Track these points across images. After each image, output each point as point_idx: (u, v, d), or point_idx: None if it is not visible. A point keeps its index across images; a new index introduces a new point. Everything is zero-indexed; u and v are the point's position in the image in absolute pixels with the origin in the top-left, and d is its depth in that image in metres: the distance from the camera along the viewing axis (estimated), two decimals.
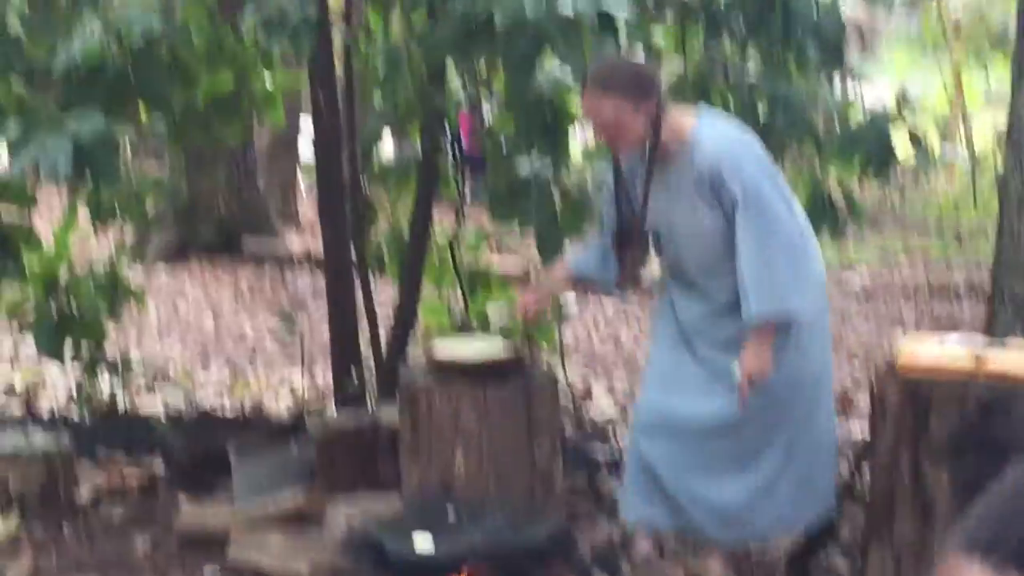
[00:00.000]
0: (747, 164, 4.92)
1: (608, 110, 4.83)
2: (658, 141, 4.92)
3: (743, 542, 5.29)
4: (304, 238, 14.64)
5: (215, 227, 14.16)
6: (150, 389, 8.26)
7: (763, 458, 5.10)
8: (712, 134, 4.95)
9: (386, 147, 12.43)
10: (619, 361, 9.98)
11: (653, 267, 5.56)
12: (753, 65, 6.88)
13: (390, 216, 7.46)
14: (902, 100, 7.02)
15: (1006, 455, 1.44)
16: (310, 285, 12.82)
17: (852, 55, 19.04)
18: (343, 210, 6.90)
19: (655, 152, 4.96)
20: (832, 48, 6.72)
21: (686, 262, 5.11)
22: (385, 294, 10.62)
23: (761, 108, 6.72)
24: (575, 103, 6.52)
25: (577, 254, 5.46)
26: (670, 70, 7.42)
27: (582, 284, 5.54)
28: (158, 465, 6.92)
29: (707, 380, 5.07)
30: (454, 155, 7.28)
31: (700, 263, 5.07)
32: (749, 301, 4.83)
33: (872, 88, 7.71)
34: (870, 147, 6.74)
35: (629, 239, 5.21)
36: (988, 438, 4.30)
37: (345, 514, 5.22)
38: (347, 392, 6.80)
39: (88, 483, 6.54)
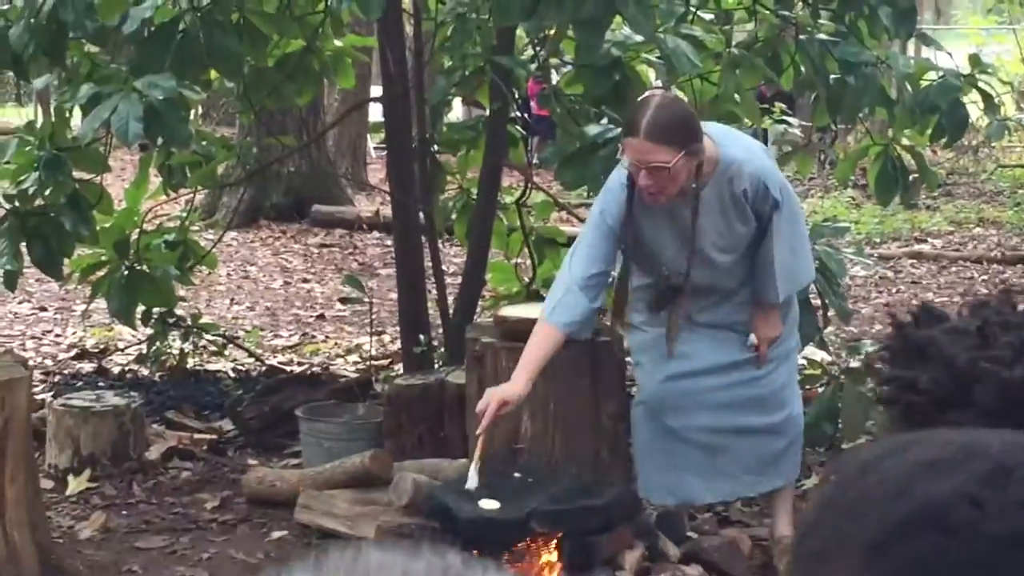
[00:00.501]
0: (776, 170, 5.17)
1: (663, 161, 4.69)
2: (700, 179, 4.89)
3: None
4: (374, 202, 14.66)
5: (285, 191, 14.22)
6: (220, 350, 8.31)
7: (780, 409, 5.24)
8: (740, 154, 4.99)
9: (456, 111, 12.46)
10: None
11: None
12: (824, 29, 6.82)
13: (459, 180, 7.46)
14: (975, 65, 6.95)
15: None
16: (379, 249, 12.85)
17: (924, 20, 18.86)
18: (412, 174, 6.91)
19: (699, 188, 4.91)
20: (904, 12, 6.64)
21: (715, 278, 5.12)
22: (455, 258, 10.65)
23: (832, 71, 6.67)
24: (643, 68, 6.52)
25: (561, 310, 4.96)
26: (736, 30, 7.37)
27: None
28: (227, 426, 6.97)
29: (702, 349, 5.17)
30: (522, 118, 7.27)
31: (729, 273, 5.13)
32: (777, 287, 5.02)
33: (947, 54, 7.62)
34: (942, 113, 6.68)
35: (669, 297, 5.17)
36: None
37: (412, 476, 5.23)
38: (415, 355, 6.82)
39: (158, 443, 6.60)
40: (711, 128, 5.01)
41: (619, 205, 4.97)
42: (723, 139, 4.99)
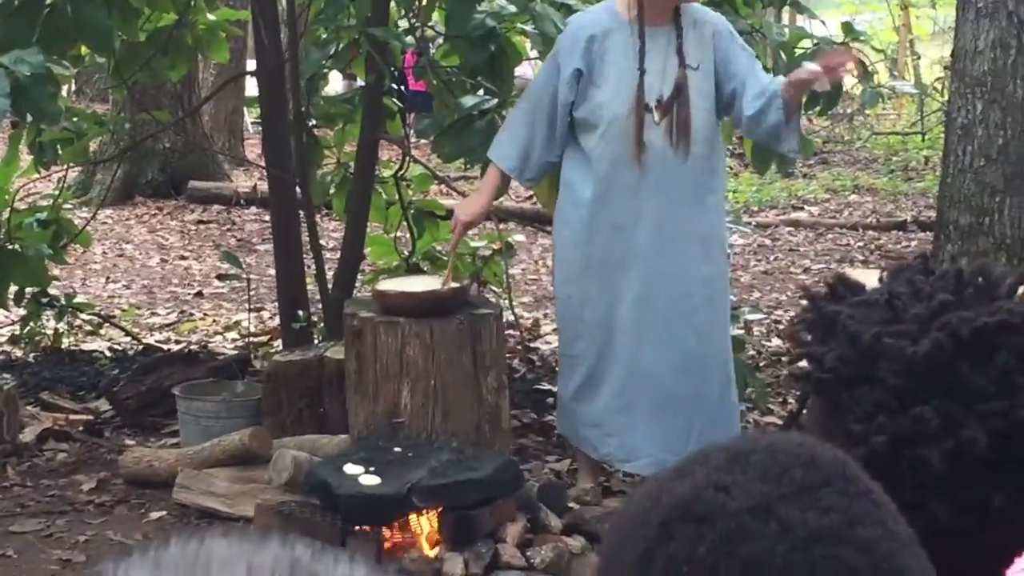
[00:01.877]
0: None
1: None
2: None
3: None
4: (252, 178, 14.52)
5: (161, 167, 14.04)
6: (95, 329, 8.19)
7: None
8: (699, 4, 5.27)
9: (335, 85, 12.35)
10: None
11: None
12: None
13: (336, 154, 7.40)
14: (848, 32, 7.00)
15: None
16: (258, 225, 12.74)
17: None
18: (288, 148, 6.83)
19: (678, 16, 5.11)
20: None
21: (694, 130, 5.14)
22: (334, 233, 10.58)
23: None
24: (519, 39, 6.49)
25: (502, 148, 5.37)
26: None
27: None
28: (103, 406, 6.87)
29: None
30: (399, 91, 7.21)
31: (704, 129, 5.16)
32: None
33: (820, 22, 7.73)
34: None
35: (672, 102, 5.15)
36: None
37: (292, 453, 5.18)
38: (294, 330, 6.75)
39: (32, 425, 6.48)
40: None
41: (584, 48, 5.12)
42: None
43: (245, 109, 16.09)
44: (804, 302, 1.57)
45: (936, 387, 1.39)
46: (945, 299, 1.46)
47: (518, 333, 8.04)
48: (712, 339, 5.25)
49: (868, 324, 1.46)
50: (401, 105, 7.58)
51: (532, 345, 8.15)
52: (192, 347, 8.02)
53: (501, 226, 8.07)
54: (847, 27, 7.09)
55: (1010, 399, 1.37)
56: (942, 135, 8.75)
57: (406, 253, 7.24)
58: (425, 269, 7.15)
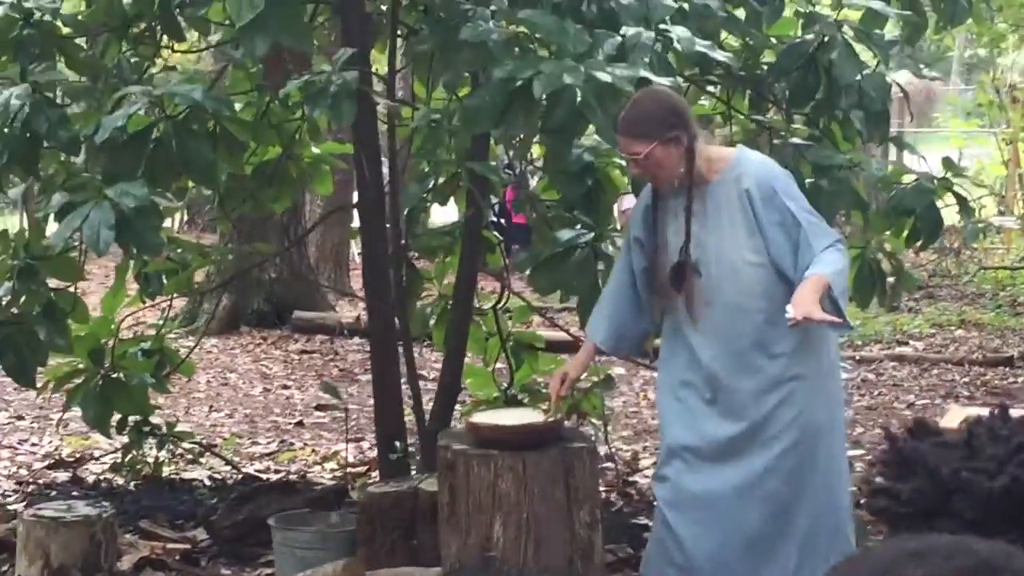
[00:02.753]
0: (796, 186, 5.24)
1: (643, 152, 4.97)
2: (692, 169, 5.00)
3: None
4: (356, 308, 14.65)
5: (266, 297, 14.20)
6: (196, 458, 8.26)
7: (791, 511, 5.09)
8: (755, 158, 5.23)
9: (443, 216, 12.45)
10: None
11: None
12: (798, 133, 6.86)
13: (436, 285, 7.45)
14: (950, 168, 6.98)
15: None
16: (360, 355, 12.82)
17: (903, 124, 18.98)
18: (387, 280, 6.90)
19: (691, 181, 5.03)
20: (877, 117, 6.68)
21: (717, 295, 5.07)
22: (435, 364, 10.62)
23: (806, 175, 6.69)
24: (616, 173, 6.54)
25: (598, 324, 5.42)
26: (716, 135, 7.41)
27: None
28: (200, 535, 6.91)
29: (723, 452, 5.07)
30: (498, 223, 7.27)
31: (731, 296, 5.07)
32: (821, 268, 4.88)
33: (928, 158, 7.75)
34: (916, 216, 6.70)
35: (679, 276, 5.15)
36: None
37: None
38: (391, 461, 6.77)
39: (130, 553, 6.52)
40: (741, 147, 5.40)
41: (642, 215, 5.29)
42: (744, 148, 5.35)
43: (352, 240, 16.26)
44: (884, 443, 1.57)
45: (1013, 521, 1.39)
46: (1022, 441, 1.47)
47: (615, 466, 8.01)
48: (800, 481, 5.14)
49: (947, 461, 1.46)
50: (501, 238, 7.63)
51: (630, 479, 8.10)
52: (291, 477, 8.06)
53: (601, 359, 8.07)
54: (948, 163, 7.08)
55: None
56: None
57: (504, 385, 7.26)
58: (523, 401, 7.16)
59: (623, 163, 6.48)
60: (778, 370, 5.07)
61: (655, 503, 5.34)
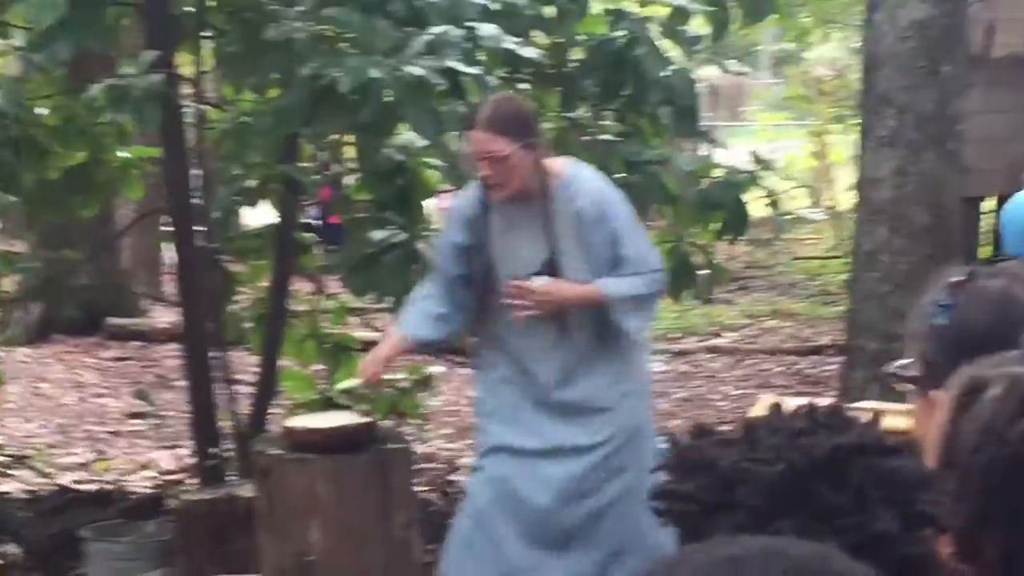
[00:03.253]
0: (625, 205, 5.17)
1: (506, 152, 4.84)
2: (545, 180, 4.94)
3: None
4: (171, 313, 14.45)
5: (78, 305, 13.93)
6: (7, 470, 8.08)
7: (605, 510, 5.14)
8: (588, 176, 5.13)
9: (258, 218, 12.32)
10: None
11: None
12: (609, 129, 6.92)
13: (251, 288, 7.38)
14: (758, 161, 7.09)
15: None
16: (176, 361, 12.64)
17: (713, 118, 19.26)
18: (200, 283, 6.81)
19: (546, 192, 4.97)
20: (685, 112, 6.76)
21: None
22: (253, 368, 10.52)
23: (617, 171, 6.75)
24: (429, 172, 6.52)
25: (411, 320, 5.30)
26: None
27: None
28: (12, 549, 6.76)
29: (547, 446, 5.10)
30: (312, 225, 7.22)
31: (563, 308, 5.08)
32: (606, 284, 5.00)
33: (739, 151, 7.90)
34: (725, 209, 6.79)
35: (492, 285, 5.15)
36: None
37: None
38: (208, 468, 6.69)
39: None
40: (576, 161, 5.22)
41: (463, 217, 5.13)
42: (576, 164, 5.18)
43: (164, 245, 16.04)
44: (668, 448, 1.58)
45: (793, 506, 1.41)
46: (800, 427, 1.50)
47: (435, 466, 8.01)
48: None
49: (726, 456, 1.48)
50: (314, 239, 7.59)
51: (450, 478, 8.10)
52: (105, 487, 7.92)
53: (420, 358, 8.06)
54: (756, 156, 7.18)
55: (865, 514, 1.40)
56: None
57: (323, 387, 7.21)
58: (342, 404, 7.12)
59: (435, 162, 6.49)
60: (604, 380, 5.13)
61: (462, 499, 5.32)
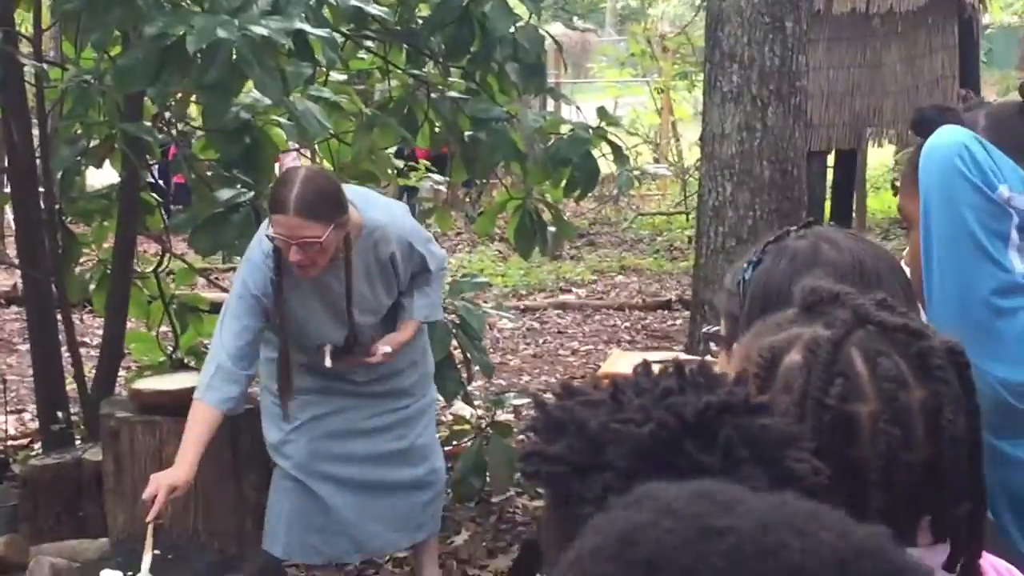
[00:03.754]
0: (419, 228, 5.30)
1: (315, 237, 4.68)
2: (349, 246, 4.90)
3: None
4: (12, 276, 14.20)
5: None
6: None
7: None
8: (383, 218, 5.06)
9: (102, 178, 12.13)
10: None
11: None
12: (456, 87, 6.92)
13: (95, 250, 7.27)
14: (604, 117, 7.12)
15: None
16: (19, 324, 12.44)
17: (560, 75, 19.31)
18: (43, 246, 6.69)
19: (349, 259, 4.93)
20: (532, 69, 6.78)
21: (362, 337, 5.11)
22: (98, 330, 10.37)
23: (464, 128, 6.76)
24: (277, 131, 6.47)
25: (216, 392, 4.84)
26: (376, 90, 7.41)
27: None
28: None
29: (352, 400, 5.25)
30: (155, 184, 7.12)
31: (370, 332, 5.12)
32: (414, 310, 5.20)
33: (584, 107, 7.93)
34: (574, 166, 6.83)
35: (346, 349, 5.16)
36: None
37: (50, 560, 5.04)
38: (54, 433, 6.59)
39: None
40: (350, 193, 4.96)
41: (263, 276, 4.91)
42: (363, 204, 4.99)
43: (4, 207, 15.75)
44: (535, 411, 1.59)
45: (663, 466, 1.43)
46: (668, 386, 1.51)
47: None
48: None
49: (595, 417, 1.49)
50: (159, 199, 7.49)
51: None
52: None
53: None
54: (602, 112, 7.22)
55: (734, 473, 1.42)
56: None
57: (170, 349, 7.13)
58: (190, 364, 7.05)
59: (282, 120, 6.44)
60: (404, 367, 5.33)
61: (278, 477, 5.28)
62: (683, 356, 5.80)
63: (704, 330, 2.48)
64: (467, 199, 16.11)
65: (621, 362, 5.17)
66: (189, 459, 4.65)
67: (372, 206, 5.05)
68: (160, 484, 4.57)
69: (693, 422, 1.45)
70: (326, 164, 7.06)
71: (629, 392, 1.52)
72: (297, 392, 5.15)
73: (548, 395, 1.58)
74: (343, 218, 4.76)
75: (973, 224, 2.70)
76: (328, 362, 5.01)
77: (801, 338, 1.76)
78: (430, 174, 9.57)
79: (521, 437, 6.67)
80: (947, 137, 2.77)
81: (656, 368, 1.56)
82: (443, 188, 12.70)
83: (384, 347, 5.09)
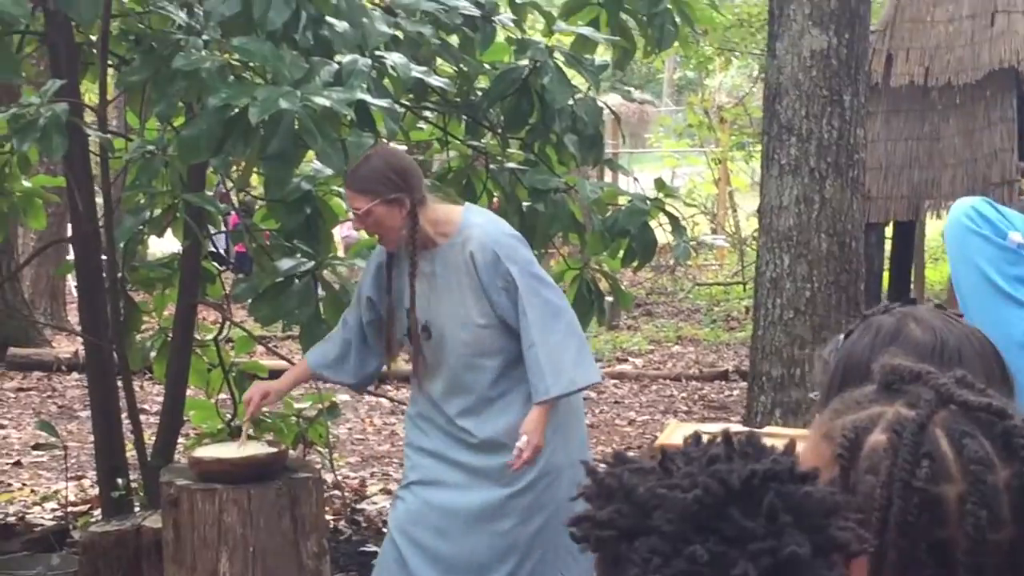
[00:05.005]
0: (521, 248, 5.13)
1: (364, 208, 4.97)
2: (415, 233, 4.98)
3: None
4: (74, 343, 14.32)
5: None
6: None
7: (522, 551, 5.13)
8: (481, 221, 5.13)
9: (163, 246, 12.24)
10: (396, 457, 9.92)
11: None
12: (514, 157, 6.96)
13: (156, 318, 7.33)
14: (662, 188, 7.14)
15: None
16: (79, 391, 12.53)
17: (617, 145, 19.36)
18: (104, 313, 6.76)
19: (415, 244, 5.01)
20: (591, 140, 6.81)
21: (449, 355, 5.12)
22: (158, 398, 10.43)
23: (523, 198, 6.79)
24: (336, 201, 6.53)
25: (317, 350, 5.53)
26: (435, 160, 7.47)
27: (321, 379, 5.80)
28: None
29: (467, 479, 5.12)
30: (217, 254, 7.18)
31: (462, 355, 5.09)
32: (546, 382, 4.94)
33: (642, 178, 7.95)
34: (632, 236, 6.84)
35: (392, 333, 5.23)
36: None
37: None
38: (113, 499, 6.63)
39: None
40: (469, 206, 5.31)
41: (374, 274, 5.30)
42: (474, 209, 5.27)
43: (68, 274, 15.91)
44: (587, 478, 1.61)
45: (708, 531, 1.45)
46: (715, 454, 1.53)
47: (343, 494, 7.99)
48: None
49: (643, 483, 1.51)
50: (220, 268, 7.55)
51: (358, 506, 8.09)
52: (9, 519, 7.83)
53: (326, 386, 8.04)
54: (660, 183, 7.24)
55: (777, 539, 1.44)
56: None
57: (229, 417, 7.17)
58: (249, 433, 7.08)
59: (341, 190, 6.49)
60: (515, 417, 5.10)
61: (385, 529, 5.35)
62: (735, 427, 5.81)
63: (810, 396, 2.52)
64: None
65: (678, 434, 5.14)
66: (284, 382, 5.51)
67: (481, 214, 5.28)
68: (257, 388, 5.45)
69: (738, 488, 1.47)
70: None
71: (678, 460, 1.54)
72: (417, 450, 5.24)
73: (601, 464, 1.60)
74: (395, 195, 4.99)
75: (990, 271, 2.79)
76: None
77: (884, 418, 1.75)
78: None
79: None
80: (958, 205, 2.92)
81: (705, 438, 1.58)
82: None
83: (524, 449, 4.97)
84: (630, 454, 1.59)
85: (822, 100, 7.46)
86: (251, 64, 5.76)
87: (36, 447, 9.89)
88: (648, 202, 6.93)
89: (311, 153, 5.85)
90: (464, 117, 7.10)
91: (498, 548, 5.12)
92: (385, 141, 6.58)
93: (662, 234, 7.51)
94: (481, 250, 5.02)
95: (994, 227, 2.83)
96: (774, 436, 3.87)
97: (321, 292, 6.25)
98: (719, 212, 21.05)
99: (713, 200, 21.47)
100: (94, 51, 6.71)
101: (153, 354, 7.25)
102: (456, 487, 5.15)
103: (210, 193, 6.67)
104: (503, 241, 5.10)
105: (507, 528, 5.12)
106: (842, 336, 2.39)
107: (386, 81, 6.17)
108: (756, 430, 1.76)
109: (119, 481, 6.57)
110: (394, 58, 5.99)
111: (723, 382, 12.83)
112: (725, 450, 1.54)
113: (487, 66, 6.90)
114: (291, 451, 6.68)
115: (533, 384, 4.99)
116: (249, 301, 6.30)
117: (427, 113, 7.20)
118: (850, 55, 7.56)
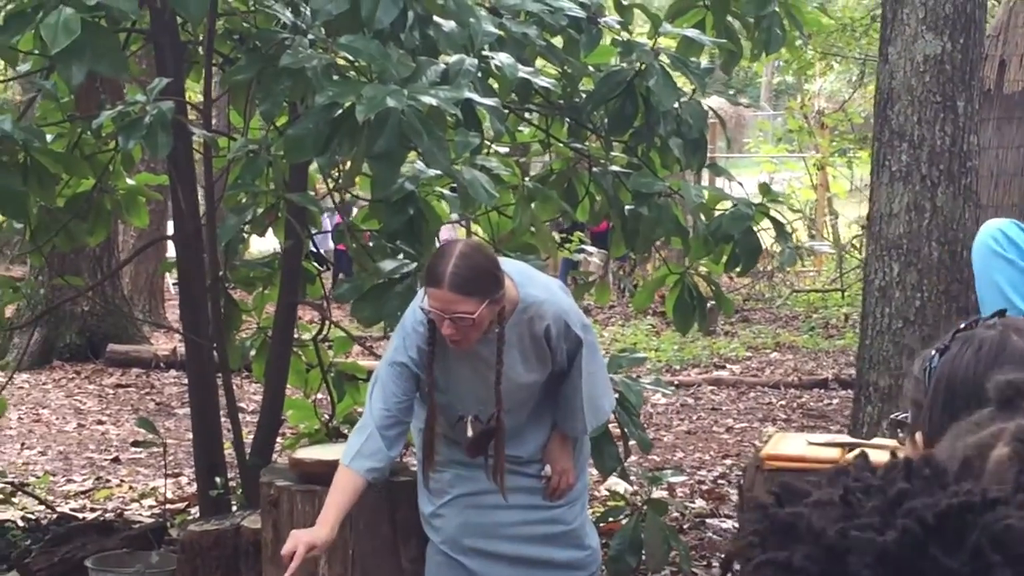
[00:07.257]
0: (575, 307, 5.10)
1: (468, 312, 4.61)
2: (503, 320, 4.82)
3: None
4: (172, 340, 14.41)
5: (79, 331, 13.92)
6: (7, 498, 8.02)
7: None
8: (540, 294, 4.92)
9: (264, 245, 12.29)
10: None
11: None
12: (617, 161, 6.90)
13: (255, 317, 7.34)
14: (765, 193, 7.06)
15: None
16: (177, 388, 12.60)
17: (716, 149, 19.25)
18: (205, 312, 6.77)
19: (502, 338, 4.84)
20: (695, 144, 6.74)
21: (517, 418, 5.05)
22: (255, 396, 10.47)
23: (626, 202, 6.73)
24: (439, 202, 6.49)
25: (362, 454, 4.81)
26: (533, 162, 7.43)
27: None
28: None
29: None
30: (317, 254, 7.17)
31: (520, 411, 5.04)
32: (584, 420, 5.00)
33: (737, 184, 7.84)
34: (735, 241, 6.77)
35: (486, 436, 5.10)
36: None
37: None
38: (211, 498, 6.64)
39: None
40: (509, 267, 4.90)
41: (415, 344, 4.86)
42: (522, 279, 4.92)
43: (167, 272, 16.03)
44: (750, 514, 1.52)
45: (908, 572, 1.37)
46: (902, 488, 1.45)
47: None
48: None
49: (828, 522, 1.43)
50: (320, 268, 7.54)
51: None
52: (107, 516, 7.86)
53: None
54: (764, 188, 7.16)
55: (983, 575, 1.36)
56: (860, 292, 8.82)
57: (327, 416, 7.16)
58: (346, 433, 7.07)
59: (444, 191, 6.46)
60: (547, 434, 5.17)
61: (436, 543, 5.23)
62: (845, 438, 5.70)
63: (892, 416, 2.44)
64: (621, 272, 16.08)
65: (784, 444, 5.07)
66: (330, 521, 4.63)
67: (531, 282, 4.97)
68: (300, 541, 4.55)
69: (936, 527, 1.39)
70: (482, 236, 7.06)
71: (857, 492, 1.45)
72: (450, 465, 5.11)
73: (766, 498, 1.52)
74: (498, 294, 4.68)
75: (1011, 294, 2.81)
76: (469, 431, 4.97)
77: (1006, 431, 1.70)
78: (587, 247, 9.55)
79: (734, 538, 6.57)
80: (986, 226, 3.01)
81: (873, 457, 1.51)
82: (597, 260, 12.67)
83: (563, 478, 5.05)
84: (798, 485, 1.51)
85: (935, 106, 7.34)
86: (356, 63, 5.74)
87: (135, 444, 9.93)
88: (752, 207, 6.84)
89: (412, 154, 5.82)
90: (567, 119, 7.04)
91: (557, 539, 5.13)
92: (489, 143, 6.55)
93: (762, 239, 7.42)
94: (554, 323, 4.89)
95: (1020, 250, 2.87)
96: (881, 448, 3.81)
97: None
98: (818, 218, 20.86)
99: (812, 206, 21.28)
100: (199, 50, 6.72)
101: (252, 353, 7.26)
102: (495, 492, 5.10)
103: (312, 192, 6.65)
104: (567, 309, 4.98)
105: (560, 517, 5.14)
106: (934, 352, 2.33)
107: (491, 81, 6.13)
108: (932, 453, 1.69)
109: (217, 480, 6.57)
110: (501, 58, 5.95)
111: (822, 390, 12.68)
112: (908, 480, 1.45)
113: (591, 68, 6.84)
114: None
115: (570, 424, 5.05)
116: (351, 302, 6.26)
117: (529, 115, 7.16)
118: (964, 61, 7.43)
